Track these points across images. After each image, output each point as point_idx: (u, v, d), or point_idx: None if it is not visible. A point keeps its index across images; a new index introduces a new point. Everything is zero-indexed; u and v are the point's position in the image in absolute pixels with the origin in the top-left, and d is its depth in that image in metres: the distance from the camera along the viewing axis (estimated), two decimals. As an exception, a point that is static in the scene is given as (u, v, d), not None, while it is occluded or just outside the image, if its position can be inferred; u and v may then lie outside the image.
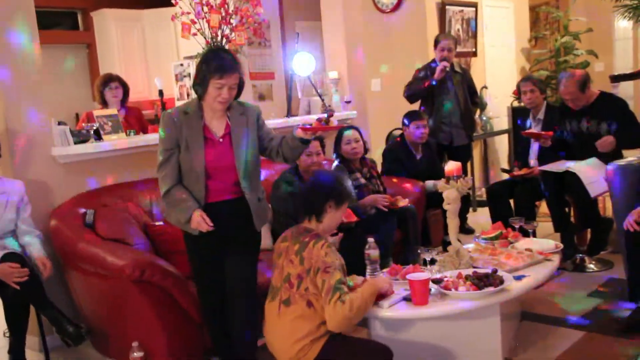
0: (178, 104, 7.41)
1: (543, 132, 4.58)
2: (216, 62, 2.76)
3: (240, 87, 2.88)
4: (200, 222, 2.75)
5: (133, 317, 3.10)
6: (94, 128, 3.85)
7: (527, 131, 4.73)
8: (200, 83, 2.81)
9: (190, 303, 3.05)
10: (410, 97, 5.48)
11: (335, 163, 4.33)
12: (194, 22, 4.30)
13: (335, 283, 2.53)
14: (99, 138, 3.85)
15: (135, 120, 5.05)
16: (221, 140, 2.86)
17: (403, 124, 4.92)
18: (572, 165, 4.22)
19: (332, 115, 3.15)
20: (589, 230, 4.51)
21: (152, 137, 4.01)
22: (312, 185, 2.84)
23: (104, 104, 4.94)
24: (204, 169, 2.80)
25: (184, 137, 2.81)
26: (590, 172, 4.15)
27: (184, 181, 2.85)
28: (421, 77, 5.43)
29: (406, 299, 2.80)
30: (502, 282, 2.81)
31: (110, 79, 4.96)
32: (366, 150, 4.39)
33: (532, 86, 4.77)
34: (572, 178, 4.14)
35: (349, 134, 4.27)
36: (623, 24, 7.42)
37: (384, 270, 3.17)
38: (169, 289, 3.01)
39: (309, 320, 2.59)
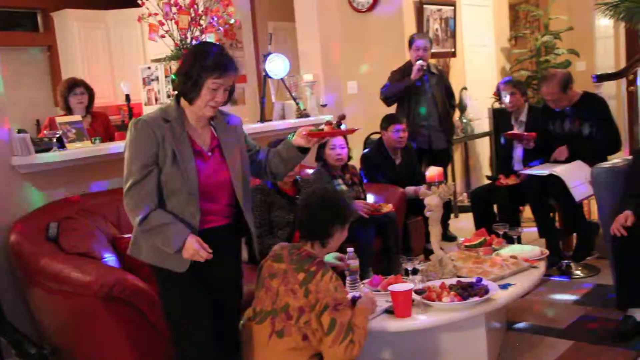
0: (146, 109, 7.35)
1: (525, 134, 4.63)
2: (213, 58, 2.42)
3: (232, 91, 2.54)
4: (198, 249, 2.39)
5: (101, 336, 3.04)
6: (57, 136, 3.78)
7: (509, 132, 4.76)
8: (193, 84, 2.43)
9: (160, 322, 3.00)
10: (387, 99, 5.49)
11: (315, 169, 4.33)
12: (161, 24, 4.27)
13: (348, 323, 2.47)
14: (63, 146, 3.78)
15: (101, 127, 4.99)
16: (210, 154, 2.56)
17: (381, 127, 4.93)
18: (556, 169, 4.26)
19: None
20: (574, 235, 4.56)
21: (120, 145, 3.96)
22: (316, 209, 2.67)
23: (68, 110, 4.88)
24: (197, 188, 2.47)
25: (169, 150, 2.44)
26: (574, 175, 4.20)
27: (167, 204, 2.47)
28: (397, 78, 5.44)
29: (388, 311, 2.79)
30: (487, 291, 2.82)
31: (75, 84, 4.89)
32: (350, 157, 4.39)
33: (512, 89, 4.80)
34: (556, 182, 4.17)
35: (335, 139, 4.26)
36: (604, 22, 7.52)
37: (364, 281, 3.15)
38: (139, 306, 2.96)
39: (302, 353, 2.54)
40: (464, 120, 6.68)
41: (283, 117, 5.42)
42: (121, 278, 2.97)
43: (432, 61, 5.66)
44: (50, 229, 3.33)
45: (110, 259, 3.26)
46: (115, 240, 3.47)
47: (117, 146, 3.94)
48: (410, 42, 5.49)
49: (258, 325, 2.63)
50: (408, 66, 5.44)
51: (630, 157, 3.82)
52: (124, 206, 2.50)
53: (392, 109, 5.47)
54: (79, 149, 3.78)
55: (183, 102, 2.53)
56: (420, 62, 5.28)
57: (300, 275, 2.55)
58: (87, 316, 3.01)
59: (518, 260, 3.26)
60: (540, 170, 4.40)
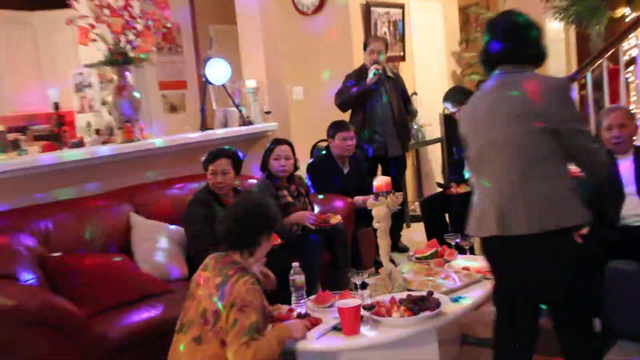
0: (79, 117, 7.21)
1: None
2: None
3: None
4: None
5: (27, 364, 2.94)
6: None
7: None
8: None
9: (92, 346, 2.92)
10: (342, 105, 5.50)
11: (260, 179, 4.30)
12: (92, 27, 4.18)
13: (249, 325, 2.51)
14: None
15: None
16: None
17: (328, 135, 4.92)
18: None
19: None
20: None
21: (46, 157, 3.87)
22: (243, 217, 2.76)
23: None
24: None
25: None
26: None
27: None
28: (352, 84, 5.46)
29: (336, 328, 2.78)
30: (438, 305, 2.83)
31: None
32: (296, 167, 4.36)
33: (459, 106, 4.81)
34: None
35: (280, 149, 4.24)
36: (555, 26, 7.72)
37: (311, 297, 3.13)
38: (67, 331, 2.87)
39: None
40: (415, 127, 6.74)
41: (225, 125, 5.38)
42: (48, 302, 2.88)
43: (387, 65, 5.68)
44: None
45: (35, 280, 3.15)
46: (43, 260, 3.37)
47: (45, 158, 3.85)
48: (365, 45, 5.51)
49: (181, 335, 2.67)
50: (363, 70, 5.46)
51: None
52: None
53: (343, 116, 5.47)
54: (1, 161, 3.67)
55: None
56: (375, 65, 5.30)
57: (217, 279, 2.63)
58: (9, 344, 2.89)
59: (470, 272, 3.30)
60: None
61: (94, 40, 4.21)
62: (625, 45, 5.24)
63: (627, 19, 5.76)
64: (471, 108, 2.69)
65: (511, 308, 2.68)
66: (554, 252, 2.46)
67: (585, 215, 2.48)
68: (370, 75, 5.28)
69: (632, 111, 4.40)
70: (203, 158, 3.95)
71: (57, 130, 4.70)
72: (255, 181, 4.47)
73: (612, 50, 5.02)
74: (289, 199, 4.25)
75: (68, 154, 4.05)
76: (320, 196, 4.64)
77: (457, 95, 4.89)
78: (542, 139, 2.43)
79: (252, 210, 2.80)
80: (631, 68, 5.32)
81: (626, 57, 5.33)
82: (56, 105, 4.48)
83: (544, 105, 2.43)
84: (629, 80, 5.40)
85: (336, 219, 4.19)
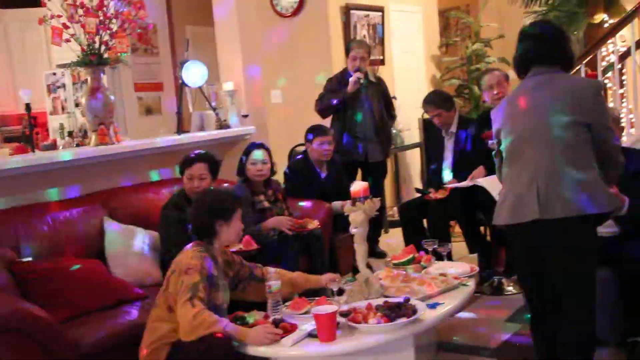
0: (51, 119, 7.16)
1: None
2: None
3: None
4: None
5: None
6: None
7: (487, 132, 4.69)
8: None
9: (64, 353, 2.91)
10: (322, 111, 5.50)
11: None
12: (66, 27, 4.16)
13: (192, 283, 2.77)
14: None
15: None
16: None
17: (306, 139, 4.94)
18: (479, 180, 4.36)
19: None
20: (504, 250, 4.67)
21: (16, 160, 3.85)
22: (195, 209, 3.11)
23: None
24: None
25: None
26: (499, 185, 4.30)
27: None
28: (333, 88, 5.47)
29: (312, 334, 2.79)
30: (415, 311, 2.85)
31: None
32: (273, 172, 4.37)
33: (437, 110, 4.85)
34: (482, 194, 4.26)
35: (257, 153, 4.24)
36: (534, 31, 7.79)
37: (287, 303, 3.14)
38: (39, 338, 2.85)
39: (165, 324, 2.83)
40: (394, 131, 6.77)
41: (202, 129, 5.37)
42: (19, 308, 2.87)
43: (369, 69, 5.71)
44: None
45: (4, 286, 3.13)
46: (13, 265, 3.34)
47: (15, 160, 3.82)
48: (347, 49, 5.52)
49: None
50: (345, 74, 5.47)
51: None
52: None
53: (327, 121, 5.48)
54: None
55: None
56: (357, 73, 5.32)
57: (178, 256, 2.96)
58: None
59: (447, 278, 3.33)
60: (464, 182, 4.51)
61: (68, 40, 4.19)
62: (603, 51, 5.33)
63: (606, 25, 5.86)
64: (509, 104, 2.92)
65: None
66: (588, 237, 2.73)
67: (616, 203, 2.82)
68: (352, 82, 5.30)
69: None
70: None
71: (28, 132, 4.64)
72: (232, 186, 4.46)
73: (591, 56, 5.10)
74: (266, 204, 4.25)
75: (40, 157, 4.02)
76: (301, 203, 4.63)
77: (437, 98, 4.93)
78: (577, 131, 2.69)
79: (203, 200, 3.10)
80: (609, 74, 5.41)
81: (604, 63, 5.42)
82: (28, 107, 4.43)
83: (579, 99, 2.72)
84: (607, 86, 5.49)
85: (313, 224, 4.21)
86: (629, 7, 5.40)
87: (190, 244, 3.00)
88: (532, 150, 2.75)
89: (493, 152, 3.06)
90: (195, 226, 3.06)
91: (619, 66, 5.26)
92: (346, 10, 6.58)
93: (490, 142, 4.38)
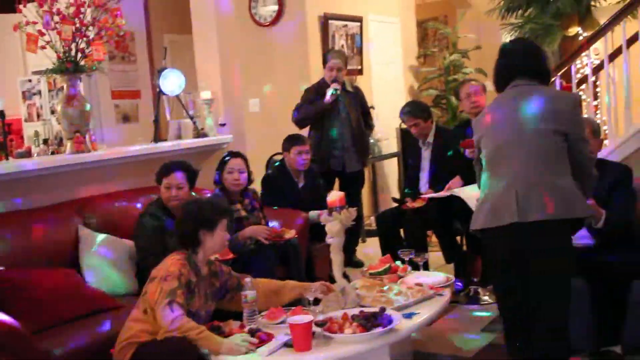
0: (26, 125, 7.10)
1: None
2: None
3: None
4: None
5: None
6: None
7: (465, 141, 4.73)
8: None
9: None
10: (300, 122, 5.51)
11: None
12: (42, 34, 4.13)
13: (170, 289, 2.82)
14: None
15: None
16: None
17: (283, 148, 4.94)
18: (456, 190, 4.39)
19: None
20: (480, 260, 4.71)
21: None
22: (180, 217, 3.17)
23: None
24: None
25: None
26: (476, 194, 4.34)
27: None
28: (310, 99, 5.48)
29: (287, 344, 2.79)
30: (390, 321, 2.86)
31: None
32: (250, 181, 4.36)
33: (415, 120, 4.88)
34: (459, 204, 4.30)
35: (234, 162, 4.23)
36: (511, 42, 7.89)
37: (263, 313, 3.14)
38: (10, 349, 2.82)
39: (137, 324, 2.90)
40: (372, 141, 6.80)
41: (179, 137, 5.35)
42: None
43: (346, 78, 5.72)
44: None
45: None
46: (-14, 274, 3.31)
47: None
48: (324, 60, 5.54)
49: None
50: (322, 84, 5.48)
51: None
52: None
53: (305, 130, 5.49)
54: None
55: None
56: (334, 84, 5.33)
57: None
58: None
59: (423, 288, 3.34)
60: (441, 192, 4.54)
61: (43, 47, 4.16)
62: (577, 63, 5.40)
63: (580, 38, 5.94)
64: (489, 114, 3.01)
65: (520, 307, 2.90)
66: (565, 240, 2.84)
67: (591, 211, 2.97)
68: (329, 94, 5.32)
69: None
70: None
71: (2, 139, 4.60)
72: (208, 194, 4.45)
73: (565, 68, 5.17)
74: (243, 213, 4.24)
75: (14, 165, 3.98)
76: (278, 213, 4.63)
77: (414, 108, 4.96)
78: (555, 139, 2.80)
79: (188, 209, 3.15)
80: (583, 86, 5.48)
81: (579, 75, 5.50)
82: (2, 113, 4.40)
83: (558, 109, 2.84)
84: (582, 98, 5.56)
85: (290, 234, 4.21)
86: (602, 21, 5.48)
87: (174, 253, 3.05)
88: (512, 157, 2.84)
89: (474, 161, 3.13)
90: (179, 234, 3.12)
91: (593, 78, 5.33)
92: (324, 20, 6.61)
93: (467, 151, 4.44)
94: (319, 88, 5.48)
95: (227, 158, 4.27)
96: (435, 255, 4.80)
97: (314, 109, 5.41)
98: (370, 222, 6.81)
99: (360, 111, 5.64)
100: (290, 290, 3.32)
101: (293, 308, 3.10)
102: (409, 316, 3.04)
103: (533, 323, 2.84)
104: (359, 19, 7.10)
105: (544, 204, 2.73)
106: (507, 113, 2.92)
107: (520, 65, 2.96)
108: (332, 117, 5.46)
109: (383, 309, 2.96)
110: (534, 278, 2.81)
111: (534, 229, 2.75)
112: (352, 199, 4.83)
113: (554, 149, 2.80)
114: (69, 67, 4.21)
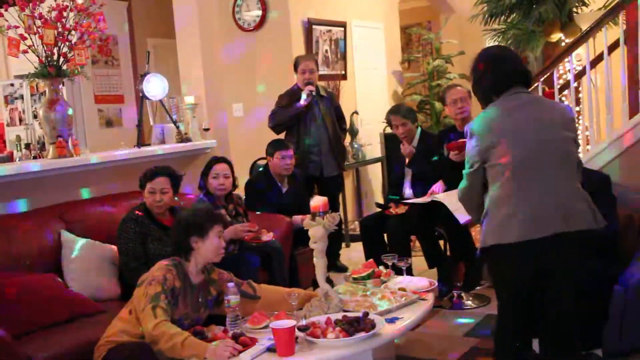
0: (8, 130, 7.05)
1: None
2: None
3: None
4: None
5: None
6: None
7: (452, 143, 4.60)
8: None
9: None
10: (276, 127, 5.51)
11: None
12: (24, 38, 4.11)
13: (154, 294, 2.87)
14: None
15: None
16: None
17: (267, 153, 4.95)
18: (438, 195, 4.41)
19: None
20: (464, 265, 4.73)
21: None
22: (172, 226, 3.26)
23: None
24: None
25: None
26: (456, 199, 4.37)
27: None
28: (285, 104, 5.48)
29: (270, 349, 2.79)
30: (374, 326, 2.87)
31: None
32: (235, 186, 4.36)
33: (402, 120, 4.90)
34: (441, 209, 4.32)
35: (219, 167, 4.23)
36: (493, 48, 7.95)
37: (246, 317, 3.14)
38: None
39: (120, 323, 2.97)
40: (355, 146, 6.83)
41: (163, 142, 5.34)
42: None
43: (321, 83, 5.74)
44: None
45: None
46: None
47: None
48: (296, 64, 5.54)
49: None
50: (296, 90, 5.49)
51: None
52: None
53: (281, 136, 5.49)
54: None
55: None
56: (308, 86, 5.34)
57: None
58: None
59: (406, 293, 3.35)
60: (423, 198, 4.57)
61: (25, 51, 4.14)
62: (560, 69, 5.45)
63: (562, 44, 5.99)
64: (508, 119, 2.82)
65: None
66: (590, 248, 2.87)
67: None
68: (303, 96, 5.33)
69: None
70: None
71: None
72: (192, 199, 4.45)
73: (547, 74, 5.21)
74: (227, 218, 4.24)
75: (-4, 169, 3.96)
76: (258, 215, 4.63)
77: (402, 109, 4.99)
78: (575, 147, 2.87)
79: (180, 216, 3.24)
80: (565, 92, 5.53)
81: (561, 81, 5.55)
82: (-16, 118, 4.38)
83: (570, 118, 2.88)
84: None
85: (268, 237, 4.20)
86: (584, 28, 5.53)
87: (165, 259, 3.10)
88: (547, 165, 2.76)
89: (465, 171, 2.95)
90: (172, 242, 3.19)
91: (575, 84, 5.38)
92: (308, 25, 6.63)
93: (451, 153, 4.47)
94: (293, 94, 5.48)
95: (211, 163, 4.27)
96: (418, 260, 4.82)
97: (289, 114, 5.41)
98: (354, 227, 6.83)
99: (335, 115, 5.65)
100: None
101: (276, 312, 3.10)
102: (392, 321, 3.05)
103: (554, 324, 2.88)
104: (343, 24, 7.12)
105: (583, 212, 2.74)
106: (531, 118, 2.80)
107: (520, 71, 2.92)
108: (308, 122, 5.47)
109: (366, 314, 2.97)
110: (564, 290, 2.84)
111: (574, 238, 2.72)
112: (331, 203, 4.84)
113: (575, 158, 2.84)
114: (52, 72, 4.19)
